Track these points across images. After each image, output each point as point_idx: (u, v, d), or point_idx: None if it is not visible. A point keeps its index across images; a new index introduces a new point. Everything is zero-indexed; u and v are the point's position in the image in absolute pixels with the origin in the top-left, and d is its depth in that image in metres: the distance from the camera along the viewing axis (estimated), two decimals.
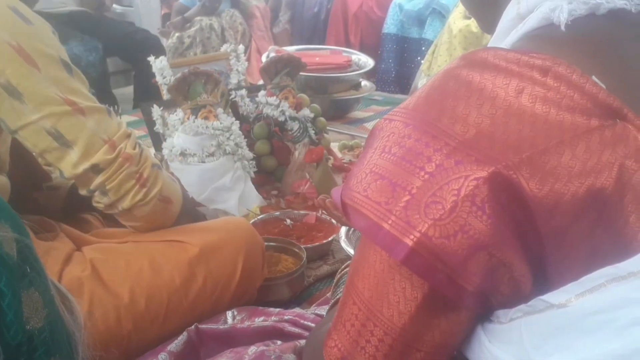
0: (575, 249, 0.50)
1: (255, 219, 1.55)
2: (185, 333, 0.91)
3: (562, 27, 0.55)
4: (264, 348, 0.72)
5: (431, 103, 0.53)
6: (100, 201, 0.97)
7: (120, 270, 0.98)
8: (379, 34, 3.95)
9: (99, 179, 0.94)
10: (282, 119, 1.82)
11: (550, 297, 0.50)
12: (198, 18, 3.62)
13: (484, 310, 0.54)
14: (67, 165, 0.92)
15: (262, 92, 1.86)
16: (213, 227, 1.11)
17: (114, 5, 3.53)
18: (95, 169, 0.93)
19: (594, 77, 0.51)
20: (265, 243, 1.37)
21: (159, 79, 1.84)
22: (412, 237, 0.48)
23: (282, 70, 1.85)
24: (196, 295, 1.01)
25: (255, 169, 1.72)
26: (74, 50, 2.73)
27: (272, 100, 1.81)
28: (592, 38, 0.56)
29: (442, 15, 3.52)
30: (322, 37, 4.33)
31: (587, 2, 0.56)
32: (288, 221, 1.55)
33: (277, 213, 1.59)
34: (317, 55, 2.88)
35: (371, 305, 0.55)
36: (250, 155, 1.70)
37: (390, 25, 3.86)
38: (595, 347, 0.47)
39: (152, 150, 1.82)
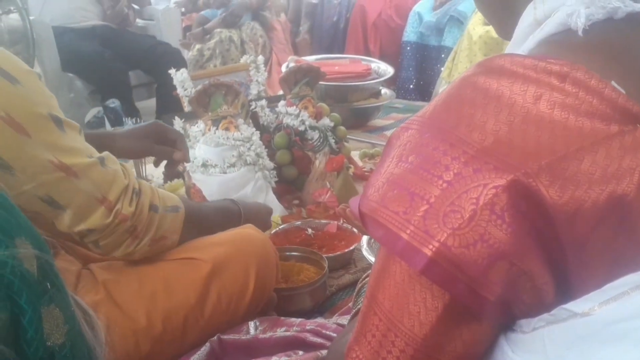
0: (598, 256, 0.49)
1: (277, 228, 1.55)
2: (208, 344, 0.91)
3: (580, 33, 0.55)
4: (286, 359, 0.72)
5: (448, 111, 0.53)
6: (91, 248, 0.96)
7: (134, 292, 0.98)
8: (398, 42, 3.95)
9: (92, 237, 0.93)
10: (302, 128, 1.82)
11: (573, 305, 0.49)
12: (218, 30, 3.65)
13: (506, 319, 0.54)
14: (61, 225, 0.90)
15: (282, 102, 1.87)
16: (224, 241, 1.10)
17: (137, 20, 3.59)
18: (91, 231, 0.92)
19: (613, 83, 0.51)
20: (287, 253, 1.38)
21: (180, 91, 1.86)
22: (431, 246, 0.48)
23: (301, 80, 1.86)
24: (212, 311, 1.02)
25: (276, 179, 1.73)
26: None
27: (292, 110, 1.82)
28: (611, 42, 0.55)
29: (460, 22, 3.52)
30: (342, 46, 4.34)
31: (605, 7, 0.55)
32: (309, 230, 1.55)
33: (299, 222, 1.59)
34: (337, 64, 2.89)
35: (392, 316, 0.55)
36: (271, 165, 1.71)
37: (409, 33, 3.86)
38: (619, 356, 0.47)
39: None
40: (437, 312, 0.52)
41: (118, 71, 3.07)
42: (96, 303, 0.95)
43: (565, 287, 0.51)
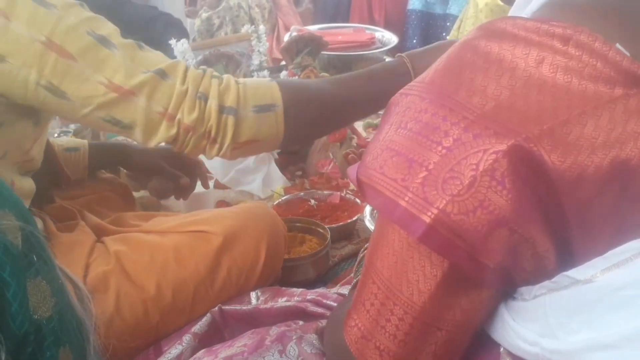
0: (600, 222, 0.48)
1: (280, 199, 1.54)
2: (209, 315, 0.91)
3: None
4: (286, 328, 0.72)
5: (448, 76, 0.52)
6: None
7: (145, 263, 0.99)
8: (403, 10, 3.89)
9: (175, 148, 0.93)
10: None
11: (575, 272, 0.48)
12: None
13: (507, 287, 0.53)
14: (138, 141, 0.92)
15: (283, 73, 1.84)
16: (235, 215, 1.10)
17: None
18: (168, 144, 0.92)
19: (617, 45, 0.49)
20: (290, 224, 1.37)
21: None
22: (429, 213, 0.47)
23: (303, 50, 1.83)
24: (222, 284, 1.02)
25: (279, 150, 1.72)
26: None
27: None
28: (616, 4, 0.53)
29: None
30: (346, 15, 4.28)
31: None
32: (312, 201, 1.54)
33: (301, 194, 1.58)
34: (340, 33, 2.84)
35: (390, 284, 0.55)
36: None
37: (415, 2, 3.80)
38: (622, 323, 0.46)
39: None
40: (435, 280, 0.52)
41: None
42: (107, 273, 0.96)
43: (567, 255, 0.50)
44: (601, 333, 0.47)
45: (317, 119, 1.00)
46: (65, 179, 1.21)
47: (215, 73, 0.95)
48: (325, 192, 1.58)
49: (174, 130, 0.89)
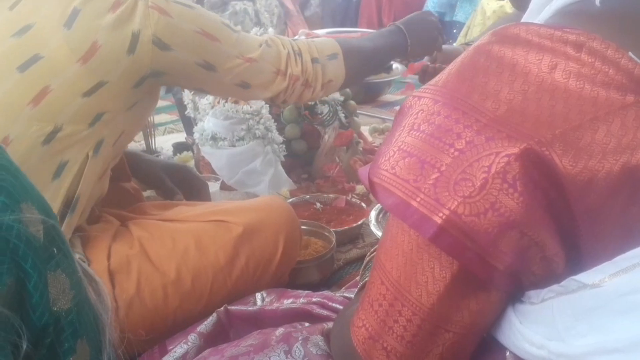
0: (610, 227, 0.49)
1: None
2: (215, 314, 0.91)
3: (597, 2, 0.54)
4: (292, 329, 0.72)
5: (461, 79, 0.52)
6: (280, 106, 1.36)
7: (167, 248, 1.02)
8: None
9: (280, 98, 1.17)
10: (311, 102, 1.81)
11: (584, 277, 0.49)
12: (233, 2, 3.62)
13: (515, 290, 0.53)
14: (257, 97, 1.18)
15: None
16: (256, 207, 1.14)
17: None
18: (277, 96, 1.16)
19: (630, 53, 0.50)
20: None
21: None
22: (441, 214, 0.48)
23: None
24: (239, 274, 1.05)
25: (285, 153, 1.72)
26: None
27: None
28: (628, 13, 0.54)
29: None
30: (354, 20, 4.30)
31: None
32: (318, 205, 1.55)
33: (307, 197, 1.59)
34: (348, 37, 2.86)
35: (399, 286, 0.55)
36: (280, 139, 1.70)
37: (428, 8, 3.82)
38: (629, 328, 0.46)
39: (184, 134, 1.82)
40: (444, 281, 0.52)
41: None
42: (130, 256, 1.00)
43: (576, 259, 0.50)
44: (608, 337, 0.47)
45: (361, 64, 1.28)
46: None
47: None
48: (331, 195, 1.59)
49: (285, 84, 1.14)
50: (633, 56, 0.50)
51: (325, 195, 1.59)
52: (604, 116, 0.47)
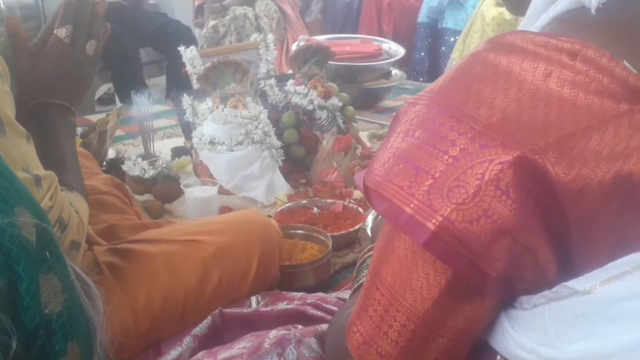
0: (602, 235, 0.49)
1: (283, 207, 1.55)
2: (209, 317, 0.92)
3: (593, 11, 0.54)
4: (285, 332, 0.73)
5: (456, 86, 0.53)
6: None
7: (134, 272, 1.00)
8: (412, 23, 3.92)
9: None
10: (310, 107, 1.82)
11: (575, 283, 0.49)
12: (233, 7, 3.64)
13: (508, 296, 0.54)
14: None
15: (290, 81, 1.86)
16: (228, 224, 1.12)
17: None
18: None
19: (624, 62, 0.50)
20: (292, 231, 1.38)
21: (189, 68, 1.85)
22: (434, 220, 0.48)
23: (310, 59, 1.85)
24: (212, 292, 1.03)
25: (284, 158, 1.73)
26: None
27: (301, 89, 1.81)
28: (624, 22, 0.54)
29: (459, 4, 3.53)
30: (355, 27, 4.31)
31: None
32: (315, 209, 1.55)
33: (305, 201, 1.59)
34: (348, 44, 2.87)
35: (394, 291, 0.55)
36: (278, 143, 1.70)
37: (422, 15, 3.84)
38: (620, 335, 0.47)
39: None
40: (439, 287, 0.52)
41: (128, 48, 3.07)
42: (96, 282, 0.95)
43: (568, 265, 0.51)
44: (599, 344, 0.47)
45: None
46: None
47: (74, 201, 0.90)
48: (329, 200, 1.59)
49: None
50: (628, 65, 0.50)
51: (323, 200, 1.59)
52: (598, 124, 0.48)
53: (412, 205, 0.49)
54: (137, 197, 1.63)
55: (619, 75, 0.49)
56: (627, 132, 0.48)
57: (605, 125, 0.48)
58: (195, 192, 1.53)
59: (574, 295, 0.49)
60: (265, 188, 1.64)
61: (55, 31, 0.94)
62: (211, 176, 1.66)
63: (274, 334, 0.72)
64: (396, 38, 3.59)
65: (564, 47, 0.51)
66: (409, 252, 0.53)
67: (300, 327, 0.78)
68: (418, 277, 0.53)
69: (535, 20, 0.61)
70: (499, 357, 0.56)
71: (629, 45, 0.52)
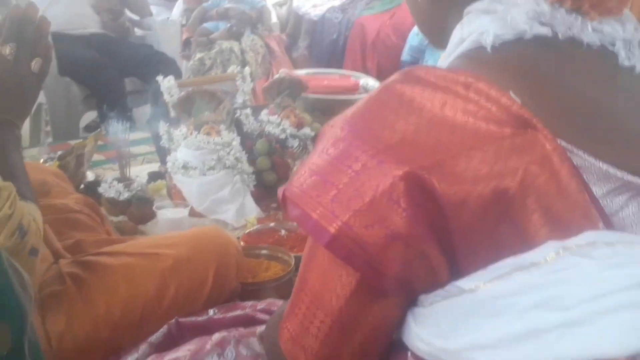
0: (483, 241, 0.56)
1: (251, 229, 1.62)
2: (165, 326, 0.98)
3: (489, 49, 0.62)
4: (226, 334, 0.79)
5: (367, 112, 0.60)
6: None
7: (95, 282, 1.06)
8: (396, 60, 4.01)
9: None
10: (282, 136, 1.90)
11: (463, 283, 0.56)
12: (219, 41, 3.74)
13: (410, 295, 0.61)
14: None
15: (264, 111, 1.95)
16: (186, 238, 1.19)
17: (135, 29, 3.69)
18: None
19: (511, 93, 0.58)
20: (256, 251, 1.45)
21: (166, 97, 1.94)
22: (335, 225, 0.55)
23: (284, 91, 1.94)
24: (170, 303, 1.09)
25: (255, 183, 1.80)
26: None
27: (274, 118, 1.90)
28: (516, 59, 0.62)
29: None
30: (340, 63, 4.39)
31: (515, 29, 0.63)
32: (283, 231, 1.62)
33: (272, 224, 1.66)
34: (326, 78, 2.97)
35: (316, 291, 0.62)
36: (250, 169, 1.78)
37: (405, 54, 3.94)
38: (500, 328, 0.54)
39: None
40: (350, 286, 0.59)
41: (113, 78, 3.15)
42: (59, 292, 1.03)
43: (457, 268, 0.58)
44: (481, 335, 0.54)
45: None
46: None
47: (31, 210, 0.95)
48: (295, 223, 1.66)
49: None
50: (513, 95, 0.58)
51: (290, 223, 1.66)
52: (481, 146, 0.55)
53: (318, 212, 0.56)
54: (112, 218, 1.70)
55: (505, 104, 0.57)
56: (506, 153, 0.55)
57: (487, 146, 0.55)
58: (167, 214, 1.60)
59: (462, 294, 0.56)
60: (236, 211, 1.71)
61: None
62: (184, 199, 1.73)
63: (216, 336, 0.79)
64: (380, 74, 3.69)
65: (460, 80, 0.58)
66: (326, 257, 0.61)
67: (242, 328, 0.84)
68: (333, 278, 0.60)
69: (448, 57, 0.69)
70: (409, 353, 0.63)
71: (516, 78, 0.60)
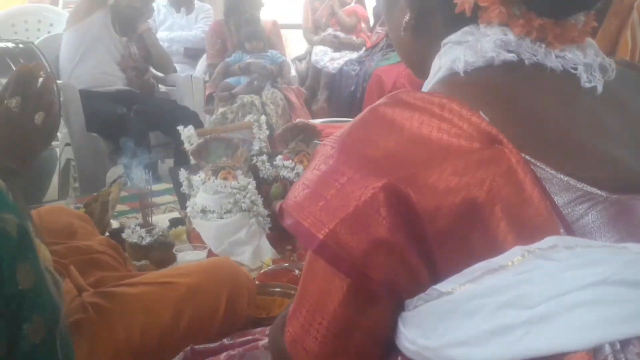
0: (458, 247, 0.61)
1: (266, 269, 1.68)
2: (181, 353, 1.03)
3: (461, 74, 0.69)
4: (232, 352, 0.84)
5: (354, 132, 0.67)
6: None
7: (115, 312, 1.14)
8: None
9: None
10: (297, 180, 1.97)
11: (441, 286, 0.62)
12: (241, 96, 3.88)
13: (396, 299, 0.66)
14: None
15: (279, 157, 2.03)
16: (199, 268, 1.27)
17: (159, 85, 3.86)
18: None
19: (480, 112, 0.64)
20: (270, 288, 1.51)
21: (186, 145, 2.03)
22: (323, 231, 0.61)
23: (296, 137, 2.03)
24: (185, 329, 1.16)
25: (270, 225, 1.87)
26: None
27: (288, 163, 1.98)
28: (485, 82, 0.69)
29: None
30: (358, 113, 4.49)
31: (484, 56, 0.70)
32: (297, 271, 1.67)
33: (286, 264, 1.71)
34: (341, 126, 3.06)
35: (314, 296, 0.69)
36: (265, 212, 1.85)
37: None
38: (474, 326, 0.59)
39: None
40: (342, 290, 0.65)
41: (139, 132, 3.28)
42: (82, 320, 1.10)
43: (436, 272, 0.63)
44: (458, 333, 0.60)
45: None
46: None
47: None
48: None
49: None
50: (482, 114, 0.64)
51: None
52: (452, 159, 0.61)
53: (309, 220, 0.63)
54: (134, 262, 1.77)
55: (475, 122, 0.63)
56: (475, 165, 0.61)
57: (458, 160, 0.61)
58: (186, 256, 1.67)
59: (440, 296, 0.61)
60: (252, 253, 1.77)
61: (5, 101, 1.02)
62: (202, 242, 1.80)
63: (224, 355, 0.84)
64: None
65: (435, 101, 0.65)
66: (322, 265, 0.67)
67: (247, 345, 0.89)
68: (328, 283, 0.66)
69: (428, 83, 0.76)
70: (399, 358, 0.68)
71: (485, 99, 0.66)
